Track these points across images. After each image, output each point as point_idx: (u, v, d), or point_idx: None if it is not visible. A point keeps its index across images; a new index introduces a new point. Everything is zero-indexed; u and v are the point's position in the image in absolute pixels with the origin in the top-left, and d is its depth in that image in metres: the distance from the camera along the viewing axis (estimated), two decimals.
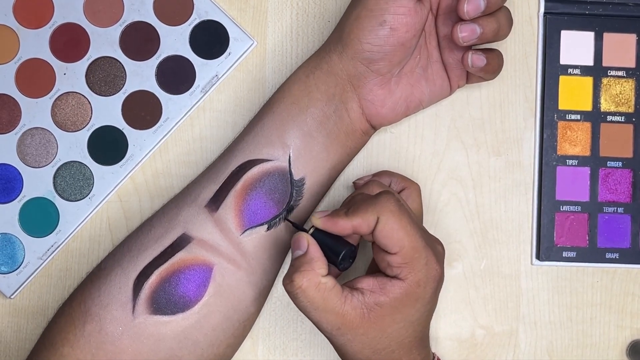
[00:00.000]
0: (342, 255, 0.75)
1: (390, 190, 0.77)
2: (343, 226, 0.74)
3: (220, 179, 0.80)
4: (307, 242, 0.75)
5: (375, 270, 0.79)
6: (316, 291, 0.73)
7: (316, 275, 0.74)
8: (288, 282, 0.74)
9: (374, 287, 0.74)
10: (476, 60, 0.79)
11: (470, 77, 0.83)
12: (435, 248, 0.77)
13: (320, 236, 0.76)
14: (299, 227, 0.79)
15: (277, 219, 0.80)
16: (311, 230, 0.77)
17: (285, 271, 0.86)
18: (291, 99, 0.81)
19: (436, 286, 0.76)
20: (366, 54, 0.79)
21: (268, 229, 0.80)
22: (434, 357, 0.82)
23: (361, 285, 0.75)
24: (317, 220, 0.76)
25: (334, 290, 0.74)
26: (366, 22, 0.78)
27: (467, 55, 0.80)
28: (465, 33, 0.78)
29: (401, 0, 0.77)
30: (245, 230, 0.79)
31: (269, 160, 0.80)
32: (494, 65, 0.81)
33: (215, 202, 0.80)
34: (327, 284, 0.74)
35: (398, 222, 0.73)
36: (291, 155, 0.80)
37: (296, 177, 0.80)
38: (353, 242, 0.78)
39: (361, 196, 0.77)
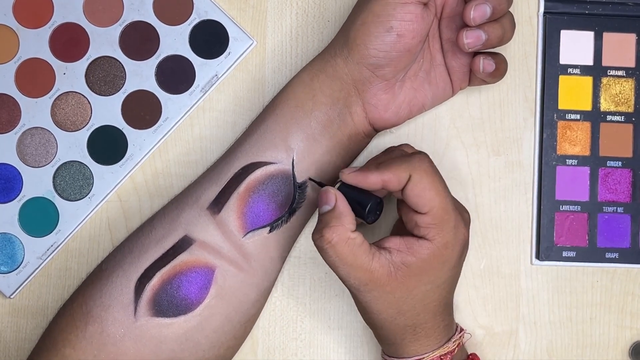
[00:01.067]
0: (369, 207, 0.76)
1: (424, 152, 0.78)
2: (373, 180, 0.74)
3: (223, 181, 0.80)
4: (334, 196, 0.75)
5: (399, 232, 0.79)
6: (345, 246, 0.73)
7: (345, 230, 0.74)
8: (318, 237, 0.74)
9: (401, 247, 0.75)
10: (487, 65, 0.80)
11: (472, 80, 0.83)
12: (462, 213, 0.77)
13: (346, 191, 0.76)
14: (323, 184, 0.79)
15: (280, 221, 0.80)
16: (337, 185, 0.77)
17: (287, 272, 0.87)
18: (295, 102, 0.81)
19: (462, 250, 0.77)
20: (372, 60, 0.78)
21: (270, 231, 0.80)
22: (457, 327, 0.82)
23: (388, 244, 0.75)
24: (347, 175, 0.75)
25: (362, 246, 0.74)
26: (372, 28, 0.77)
27: (478, 61, 0.80)
28: (470, 39, 0.78)
29: (408, 7, 0.77)
30: (248, 233, 0.79)
31: (272, 163, 0.80)
32: (501, 70, 0.81)
33: (218, 204, 0.79)
34: (356, 239, 0.74)
35: (430, 182, 0.74)
36: (295, 158, 0.80)
37: (299, 179, 0.80)
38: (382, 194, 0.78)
39: (394, 153, 0.78)
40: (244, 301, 0.80)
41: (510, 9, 0.83)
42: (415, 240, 0.75)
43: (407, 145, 0.81)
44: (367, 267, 0.74)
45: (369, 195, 0.76)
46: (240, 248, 0.79)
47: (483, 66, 0.80)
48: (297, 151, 0.80)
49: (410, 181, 0.73)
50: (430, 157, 0.77)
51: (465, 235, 0.76)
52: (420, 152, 0.76)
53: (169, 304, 0.78)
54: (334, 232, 0.73)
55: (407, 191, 0.74)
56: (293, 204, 0.81)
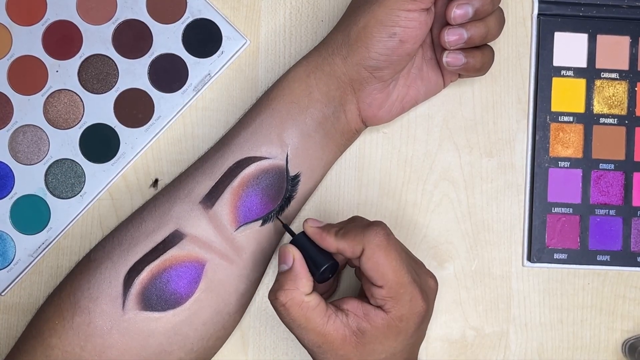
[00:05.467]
0: (322, 269, 0.76)
1: (383, 222, 0.77)
2: (329, 244, 0.75)
3: (216, 175, 0.80)
4: (292, 257, 0.76)
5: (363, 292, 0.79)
6: (299, 310, 0.74)
7: (300, 294, 0.74)
8: (273, 299, 0.75)
9: (358, 312, 0.75)
10: (452, 60, 0.80)
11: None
12: (425, 283, 0.77)
13: (305, 242, 0.77)
14: (288, 229, 0.79)
15: (272, 214, 0.80)
16: (300, 232, 0.77)
17: (276, 262, 0.87)
18: (291, 98, 0.81)
19: (420, 321, 0.75)
20: (372, 62, 0.78)
21: (262, 224, 0.80)
22: None
23: (347, 306, 0.75)
24: (309, 227, 0.76)
25: (317, 309, 0.74)
26: (375, 32, 0.77)
27: (442, 56, 0.80)
28: (452, 37, 0.78)
29: (413, 14, 0.77)
30: (240, 227, 0.79)
31: (266, 158, 0.80)
32: (474, 64, 0.80)
33: (211, 198, 0.79)
34: (310, 302, 0.74)
35: (384, 257, 0.73)
36: (289, 154, 0.80)
37: (292, 173, 0.80)
38: (339, 259, 0.78)
39: (356, 221, 0.77)
40: (234, 293, 0.80)
41: (505, 11, 0.83)
42: (372, 309, 0.75)
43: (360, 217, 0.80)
44: (320, 330, 0.74)
45: (326, 256, 0.76)
46: (231, 241, 0.79)
47: (447, 61, 0.80)
48: (292, 147, 0.80)
49: (364, 254, 0.74)
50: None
51: (423, 307, 0.75)
52: (376, 224, 0.75)
53: (157, 298, 0.78)
54: (287, 296, 0.74)
55: (362, 264, 0.74)
56: (285, 197, 0.81)
